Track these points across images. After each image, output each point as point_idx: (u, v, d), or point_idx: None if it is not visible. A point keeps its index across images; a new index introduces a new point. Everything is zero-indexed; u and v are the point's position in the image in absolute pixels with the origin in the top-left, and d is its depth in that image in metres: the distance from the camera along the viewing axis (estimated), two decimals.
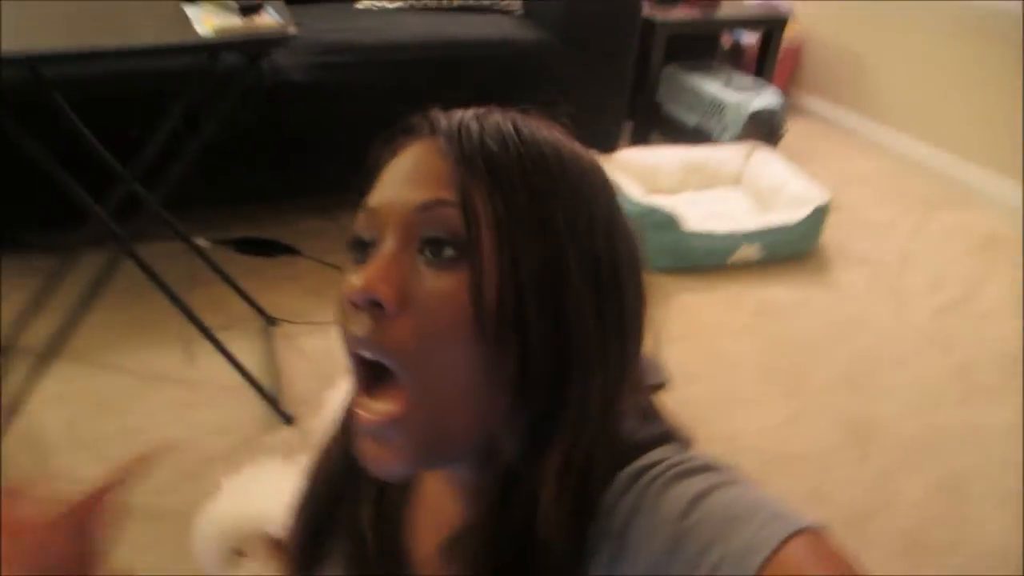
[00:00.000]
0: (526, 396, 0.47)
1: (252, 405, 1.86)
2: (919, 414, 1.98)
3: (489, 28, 2.56)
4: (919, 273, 2.59)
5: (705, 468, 0.47)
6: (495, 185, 0.46)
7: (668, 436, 0.53)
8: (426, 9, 2.67)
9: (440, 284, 0.45)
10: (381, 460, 0.48)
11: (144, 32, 1.37)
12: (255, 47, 1.42)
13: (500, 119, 0.50)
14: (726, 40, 3.74)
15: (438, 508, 0.58)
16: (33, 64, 1.47)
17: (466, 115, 0.51)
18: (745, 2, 3.64)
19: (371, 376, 0.48)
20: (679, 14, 3.24)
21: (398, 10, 2.65)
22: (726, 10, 3.41)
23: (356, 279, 0.46)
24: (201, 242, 2.20)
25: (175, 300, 1.70)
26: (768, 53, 3.44)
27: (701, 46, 3.54)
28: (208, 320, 1.90)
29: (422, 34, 2.44)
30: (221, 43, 1.37)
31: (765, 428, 1.90)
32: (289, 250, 2.45)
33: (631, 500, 0.47)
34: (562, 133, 0.53)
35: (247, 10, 1.40)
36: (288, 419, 1.83)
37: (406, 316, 0.45)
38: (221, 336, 1.88)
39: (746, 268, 2.50)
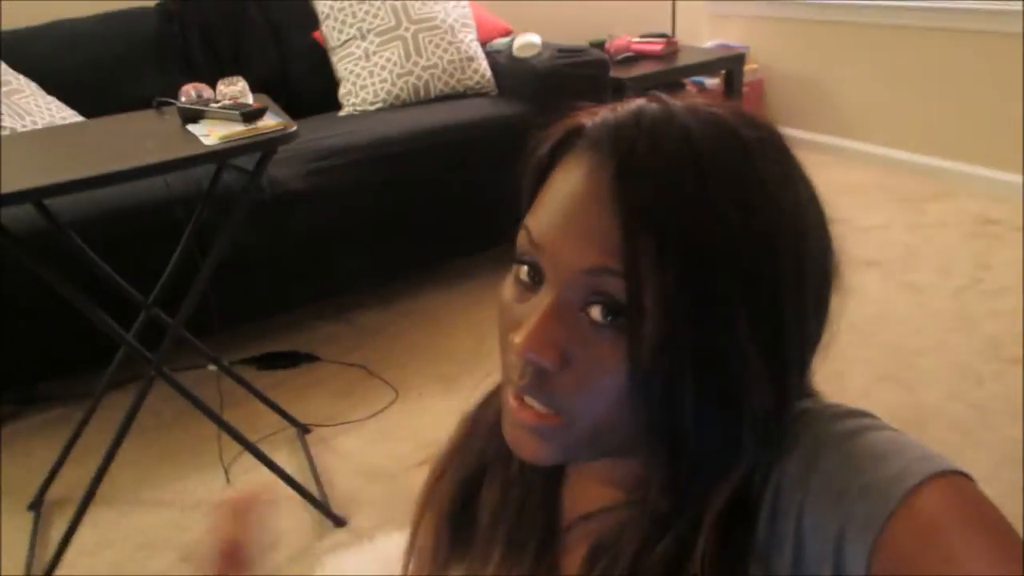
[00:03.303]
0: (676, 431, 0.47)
1: (299, 514, 1.83)
2: (964, 394, 1.98)
3: (470, 110, 2.66)
4: (926, 264, 2.63)
5: (855, 413, 0.49)
6: (663, 252, 0.43)
7: (810, 390, 0.54)
8: (405, 105, 2.77)
9: (601, 345, 0.46)
10: (529, 449, 0.50)
11: (152, 154, 1.42)
12: (263, 147, 1.48)
13: (678, 150, 0.45)
14: (691, 87, 3.88)
15: (591, 480, 0.59)
16: (38, 199, 1.51)
17: (639, 139, 0.45)
18: (702, 47, 3.80)
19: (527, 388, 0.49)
20: (643, 69, 3.40)
21: (379, 110, 2.75)
22: (685, 58, 3.56)
23: (520, 336, 0.46)
24: (212, 368, 2.23)
25: (213, 417, 1.70)
26: (732, 92, 3.58)
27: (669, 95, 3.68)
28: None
29: (408, 126, 2.53)
30: (230, 148, 1.42)
31: None
32: (309, 358, 2.47)
33: (785, 446, 0.48)
34: (762, 143, 0.47)
35: (249, 116, 1.46)
36: (339, 521, 1.81)
37: (566, 373, 0.47)
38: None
39: None
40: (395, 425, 2.09)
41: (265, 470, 1.86)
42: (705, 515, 0.47)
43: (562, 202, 0.47)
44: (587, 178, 0.46)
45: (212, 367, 2.22)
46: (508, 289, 0.51)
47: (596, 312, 0.46)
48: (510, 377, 0.50)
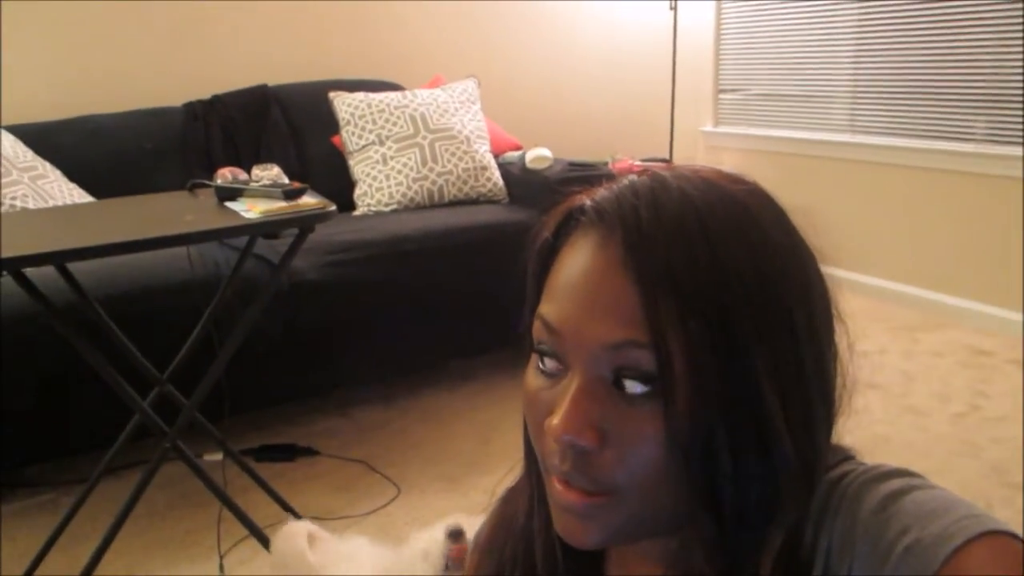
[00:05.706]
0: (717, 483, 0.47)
1: None
2: None
3: (482, 215, 2.74)
4: (925, 389, 2.66)
5: (899, 473, 0.49)
6: (686, 314, 0.44)
7: (850, 453, 0.54)
8: (420, 207, 2.85)
9: (635, 417, 0.46)
10: (578, 534, 0.49)
11: (195, 225, 1.45)
12: (305, 222, 1.51)
13: (679, 210, 0.47)
14: None
15: (632, 562, 0.57)
16: (61, 262, 1.52)
17: (640, 206, 0.47)
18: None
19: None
20: None
21: (393, 211, 2.82)
22: None
23: (557, 419, 0.47)
24: (210, 458, 2.18)
25: (221, 496, 1.66)
26: None
27: None
28: (238, 530, 1.86)
29: (422, 226, 2.60)
30: (274, 221, 1.45)
31: None
32: (307, 451, 2.42)
33: (832, 508, 0.48)
34: (752, 196, 0.50)
35: (291, 195, 1.50)
36: None
37: (606, 451, 0.47)
38: (255, 543, 1.82)
39: None
40: (397, 521, 2.04)
41: (262, 561, 1.79)
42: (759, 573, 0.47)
43: (576, 282, 0.48)
44: (597, 253, 0.47)
45: (211, 457, 2.18)
46: (532, 378, 0.51)
47: (626, 385, 0.46)
48: (552, 463, 0.49)
